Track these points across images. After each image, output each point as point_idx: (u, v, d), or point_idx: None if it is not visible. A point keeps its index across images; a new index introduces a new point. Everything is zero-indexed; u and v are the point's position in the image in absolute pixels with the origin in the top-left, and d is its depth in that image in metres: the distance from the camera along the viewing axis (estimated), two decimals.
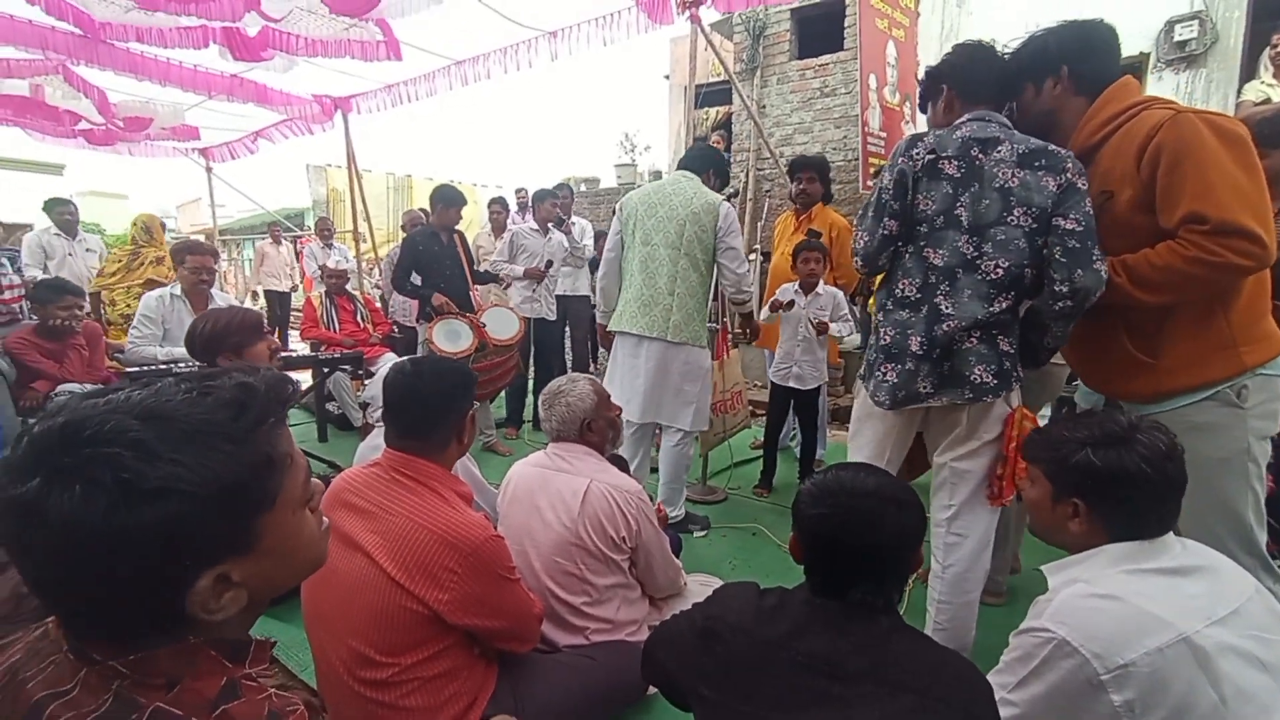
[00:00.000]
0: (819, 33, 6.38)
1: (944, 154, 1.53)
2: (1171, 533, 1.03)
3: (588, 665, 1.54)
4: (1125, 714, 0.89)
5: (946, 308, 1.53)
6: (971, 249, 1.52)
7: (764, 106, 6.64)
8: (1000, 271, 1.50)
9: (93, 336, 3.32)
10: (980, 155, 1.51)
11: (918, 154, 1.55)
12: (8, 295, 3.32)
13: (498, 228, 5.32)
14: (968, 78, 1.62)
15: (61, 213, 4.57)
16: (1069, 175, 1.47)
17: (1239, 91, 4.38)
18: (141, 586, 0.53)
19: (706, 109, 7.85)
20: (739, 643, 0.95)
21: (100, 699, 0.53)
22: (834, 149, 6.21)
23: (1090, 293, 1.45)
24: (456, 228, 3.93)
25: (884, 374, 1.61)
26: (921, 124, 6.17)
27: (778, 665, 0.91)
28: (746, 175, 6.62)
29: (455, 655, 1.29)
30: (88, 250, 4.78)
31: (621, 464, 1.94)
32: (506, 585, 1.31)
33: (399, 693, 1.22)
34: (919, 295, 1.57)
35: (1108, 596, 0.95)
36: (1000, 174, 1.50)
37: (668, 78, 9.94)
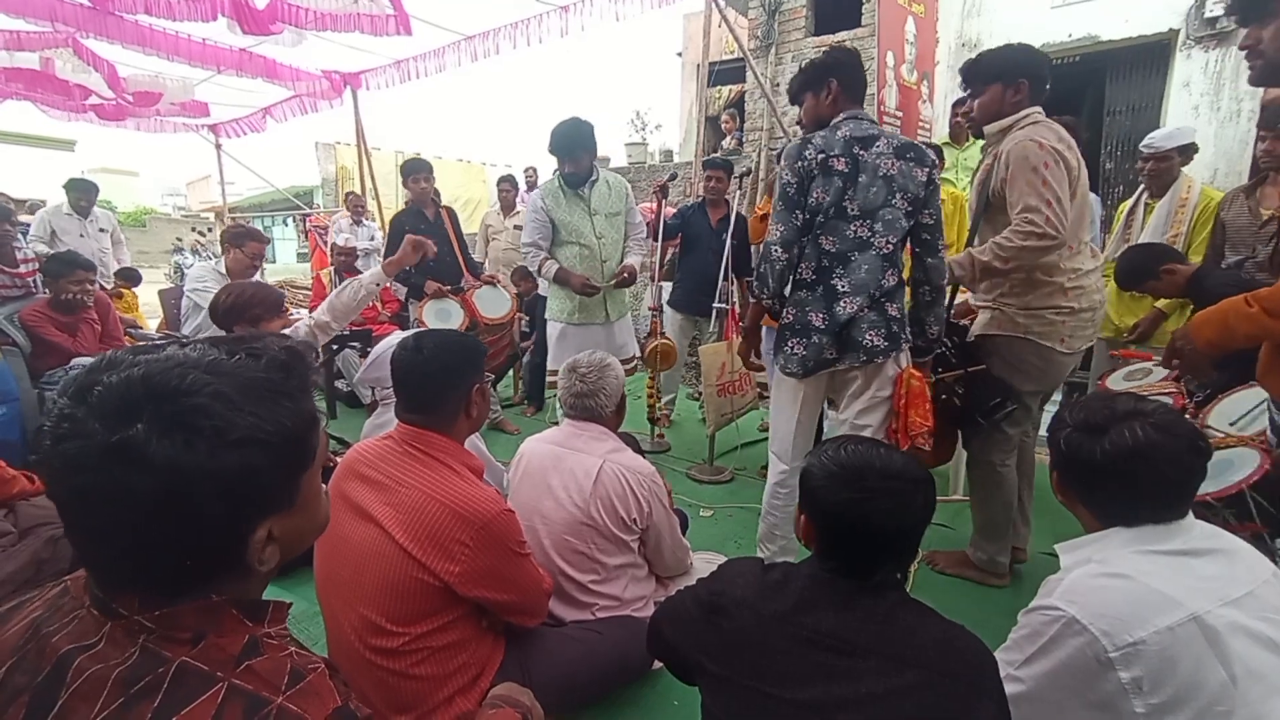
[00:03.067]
0: (836, 9, 6.22)
1: (832, 153, 1.76)
2: (1190, 515, 1.01)
3: (594, 639, 1.56)
4: (1133, 691, 0.89)
5: (842, 286, 1.79)
6: (865, 230, 1.78)
7: (778, 84, 6.51)
8: (890, 247, 1.80)
9: (103, 309, 3.35)
10: (861, 151, 1.77)
11: (810, 155, 1.78)
12: (23, 269, 3.35)
13: (506, 206, 5.29)
14: (853, 77, 1.86)
15: (80, 198, 4.60)
16: (930, 169, 1.81)
17: None
18: (216, 530, 0.56)
19: (719, 87, 7.71)
20: (744, 617, 0.95)
21: (126, 652, 0.54)
22: None
23: (940, 275, 1.86)
24: (445, 204, 3.89)
25: (792, 348, 1.86)
26: (939, 102, 5.96)
27: (783, 640, 0.91)
28: (759, 154, 6.52)
29: (464, 627, 1.31)
30: (100, 230, 4.80)
31: (634, 444, 1.95)
32: (516, 559, 1.32)
33: (409, 661, 1.24)
34: (815, 277, 1.82)
35: (1118, 575, 0.95)
36: (882, 164, 1.77)
37: (680, 55, 9.76)
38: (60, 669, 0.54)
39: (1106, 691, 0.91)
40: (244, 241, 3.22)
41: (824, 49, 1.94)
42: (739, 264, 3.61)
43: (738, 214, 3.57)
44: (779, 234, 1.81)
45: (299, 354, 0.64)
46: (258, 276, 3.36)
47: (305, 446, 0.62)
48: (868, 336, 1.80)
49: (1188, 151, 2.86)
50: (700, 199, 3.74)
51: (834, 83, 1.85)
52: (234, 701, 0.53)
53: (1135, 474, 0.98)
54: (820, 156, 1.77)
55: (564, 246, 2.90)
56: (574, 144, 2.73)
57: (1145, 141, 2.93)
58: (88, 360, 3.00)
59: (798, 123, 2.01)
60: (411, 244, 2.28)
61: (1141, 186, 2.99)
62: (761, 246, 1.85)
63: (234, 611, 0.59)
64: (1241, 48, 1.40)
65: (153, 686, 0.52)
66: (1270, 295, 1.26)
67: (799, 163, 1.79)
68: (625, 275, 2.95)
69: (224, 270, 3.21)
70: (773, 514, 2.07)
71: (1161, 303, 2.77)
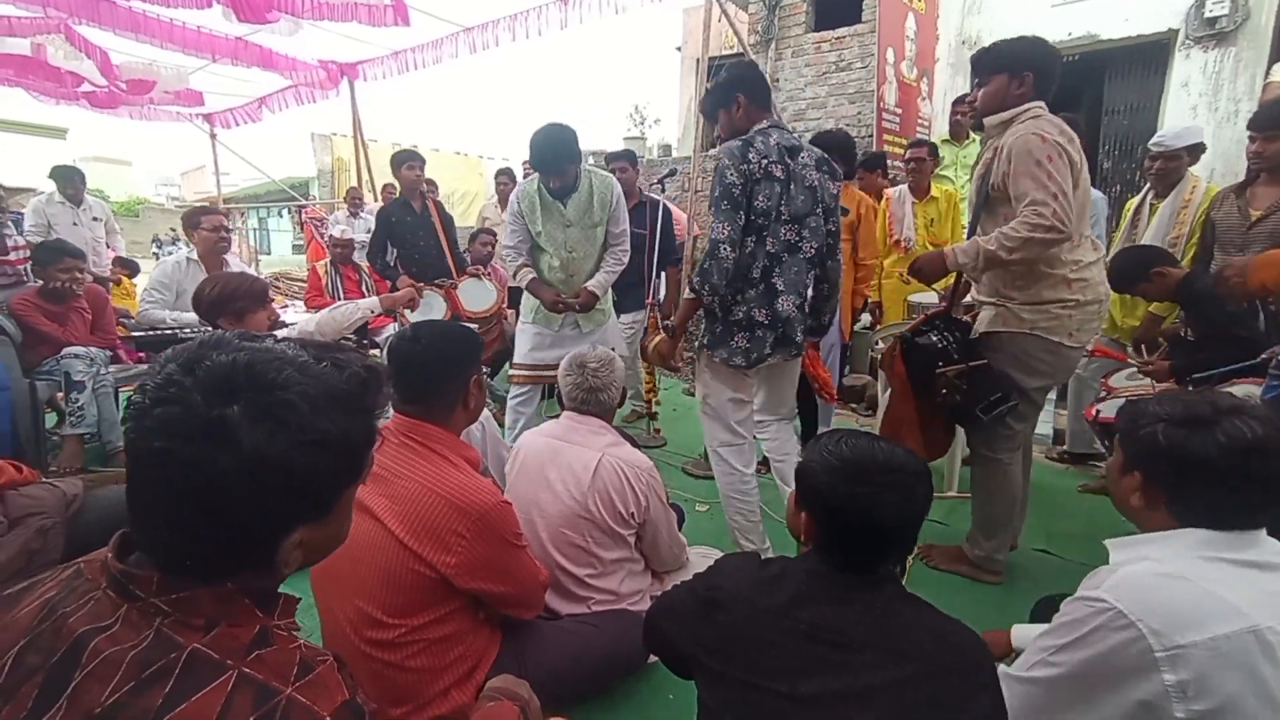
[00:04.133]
0: (837, 4, 6.20)
1: (771, 159, 1.86)
2: (1264, 530, 0.95)
3: (591, 633, 1.55)
4: (1176, 695, 0.85)
5: (780, 285, 1.93)
6: (795, 235, 1.93)
7: (777, 80, 6.50)
8: (813, 251, 1.97)
9: (97, 300, 3.32)
10: (790, 160, 1.90)
11: (754, 159, 1.85)
12: (13, 257, 3.32)
13: (504, 199, 5.26)
14: (758, 88, 1.98)
15: (66, 185, 4.55)
16: (838, 183, 2.05)
17: (1268, 71, 4.25)
18: (266, 521, 0.59)
19: None
20: (740, 612, 0.95)
21: (141, 635, 0.55)
22: (848, 124, 6.08)
23: (838, 274, 2.13)
24: (434, 197, 3.87)
25: (738, 343, 1.96)
26: (939, 100, 5.94)
27: (780, 634, 0.91)
28: None
29: (460, 619, 1.30)
30: (94, 219, 4.75)
31: (630, 439, 1.94)
32: (513, 550, 1.32)
33: (405, 653, 1.24)
34: (759, 276, 1.92)
35: (1176, 577, 0.91)
36: (807, 175, 1.94)
37: (679, 50, 9.72)
38: (76, 649, 0.54)
39: (1148, 691, 0.87)
40: (199, 220, 3.17)
41: (732, 64, 2.09)
42: (663, 255, 3.54)
43: (663, 206, 3.50)
44: (726, 233, 1.85)
45: (377, 374, 0.67)
46: (234, 256, 3.28)
47: (361, 461, 0.65)
48: (798, 333, 2.00)
49: (1196, 151, 2.85)
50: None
51: (741, 96, 1.96)
52: (244, 690, 0.54)
53: (1247, 470, 0.92)
54: (764, 162, 1.85)
55: (539, 253, 2.74)
56: (558, 156, 2.47)
57: (1155, 139, 2.88)
58: (80, 350, 3.00)
59: (717, 137, 2.09)
60: (412, 291, 2.35)
61: (1147, 185, 2.98)
62: (707, 244, 1.89)
63: (247, 601, 0.60)
64: None
65: (165, 671, 0.53)
66: None
67: (744, 165, 1.84)
68: (581, 300, 2.66)
69: (196, 257, 3.15)
70: (744, 501, 2.11)
71: (1155, 306, 2.79)
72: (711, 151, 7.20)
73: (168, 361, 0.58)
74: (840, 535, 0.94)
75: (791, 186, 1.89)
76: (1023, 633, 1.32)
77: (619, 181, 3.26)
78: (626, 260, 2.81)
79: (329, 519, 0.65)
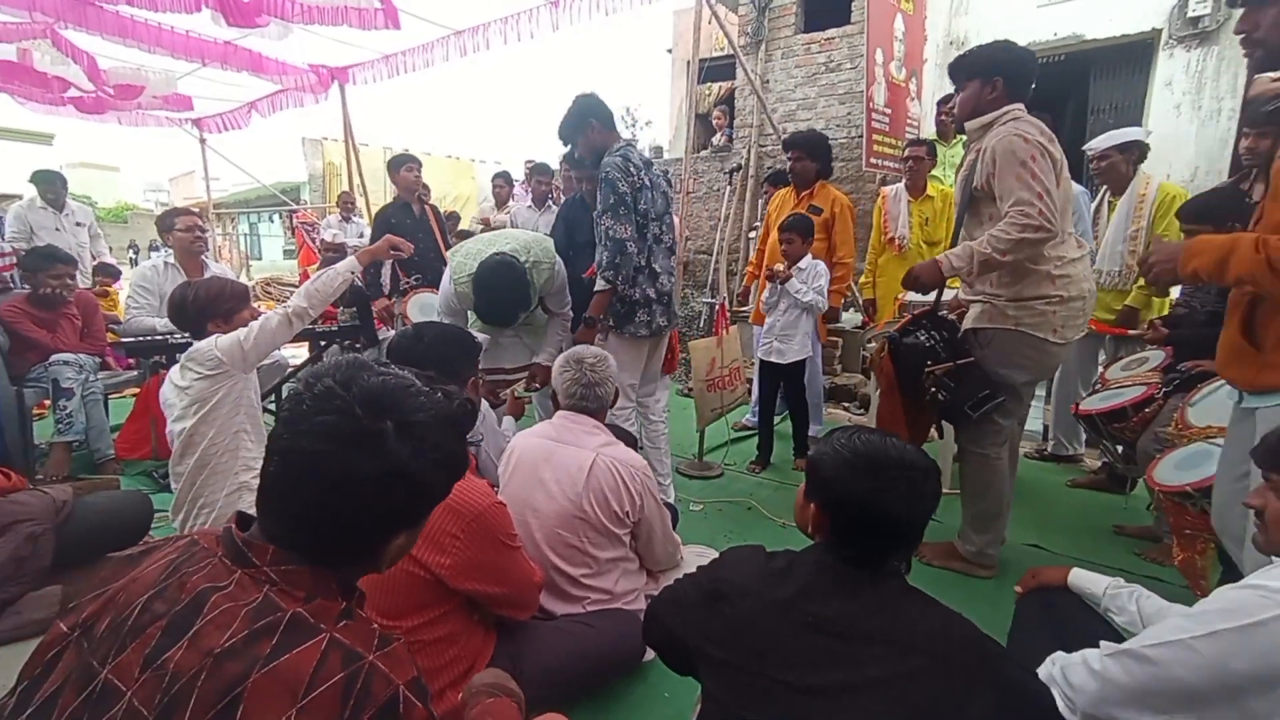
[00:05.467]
0: (826, 6, 6.24)
1: (641, 172, 2.31)
2: None
3: (586, 632, 1.55)
4: None
5: (658, 268, 2.40)
6: (659, 229, 2.40)
7: (767, 81, 6.53)
8: (670, 240, 2.48)
9: (87, 307, 3.29)
10: (646, 172, 2.34)
11: (634, 172, 2.27)
12: (1, 264, 3.29)
13: (500, 201, 5.27)
14: (605, 114, 2.39)
15: (47, 189, 4.50)
16: (669, 187, 2.51)
17: (1249, 70, 4.31)
18: (384, 521, 0.70)
19: (709, 84, 7.72)
20: (747, 604, 0.95)
21: (251, 596, 0.64)
22: (838, 125, 6.12)
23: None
24: (430, 201, 3.86)
25: (640, 317, 2.38)
26: (927, 100, 5.97)
27: (787, 626, 0.91)
28: (749, 151, 6.54)
29: (455, 620, 1.30)
30: (77, 224, 4.71)
31: (626, 437, 1.95)
32: (508, 552, 1.32)
33: None
34: (645, 263, 2.35)
35: None
36: (659, 183, 2.41)
37: (670, 51, 9.74)
38: (199, 601, 0.63)
39: None
40: (172, 222, 3.16)
41: (579, 96, 2.39)
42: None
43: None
44: (629, 232, 2.25)
45: (475, 405, 0.76)
46: (224, 264, 3.26)
47: (457, 479, 0.75)
48: (674, 308, 2.51)
49: (1130, 149, 2.92)
50: (578, 193, 3.13)
51: (594, 121, 2.34)
52: (335, 651, 0.62)
53: None
54: (640, 173, 2.29)
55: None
56: (515, 310, 2.34)
57: (1085, 145, 3.06)
58: (68, 357, 2.98)
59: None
60: (389, 241, 2.17)
61: (1104, 186, 3.07)
62: (610, 244, 2.22)
63: (335, 585, 0.69)
64: (1237, 32, 1.37)
65: (272, 627, 0.62)
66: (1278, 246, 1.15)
67: (630, 177, 2.24)
68: (540, 380, 2.51)
69: (174, 260, 3.13)
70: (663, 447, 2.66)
71: (1131, 299, 2.88)
72: (704, 153, 7.23)
73: (322, 376, 0.68)
74: (849, 528, 0.95)
75: (652, 192, 2.34)
76: (1083, 574, 1.34)
77: (584, 192, 3.09)
78: (570, 322, 2.62)
79: (420, 527, 0.75)
